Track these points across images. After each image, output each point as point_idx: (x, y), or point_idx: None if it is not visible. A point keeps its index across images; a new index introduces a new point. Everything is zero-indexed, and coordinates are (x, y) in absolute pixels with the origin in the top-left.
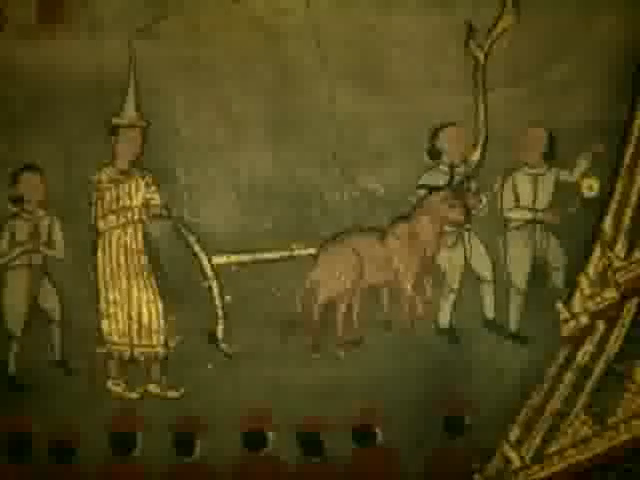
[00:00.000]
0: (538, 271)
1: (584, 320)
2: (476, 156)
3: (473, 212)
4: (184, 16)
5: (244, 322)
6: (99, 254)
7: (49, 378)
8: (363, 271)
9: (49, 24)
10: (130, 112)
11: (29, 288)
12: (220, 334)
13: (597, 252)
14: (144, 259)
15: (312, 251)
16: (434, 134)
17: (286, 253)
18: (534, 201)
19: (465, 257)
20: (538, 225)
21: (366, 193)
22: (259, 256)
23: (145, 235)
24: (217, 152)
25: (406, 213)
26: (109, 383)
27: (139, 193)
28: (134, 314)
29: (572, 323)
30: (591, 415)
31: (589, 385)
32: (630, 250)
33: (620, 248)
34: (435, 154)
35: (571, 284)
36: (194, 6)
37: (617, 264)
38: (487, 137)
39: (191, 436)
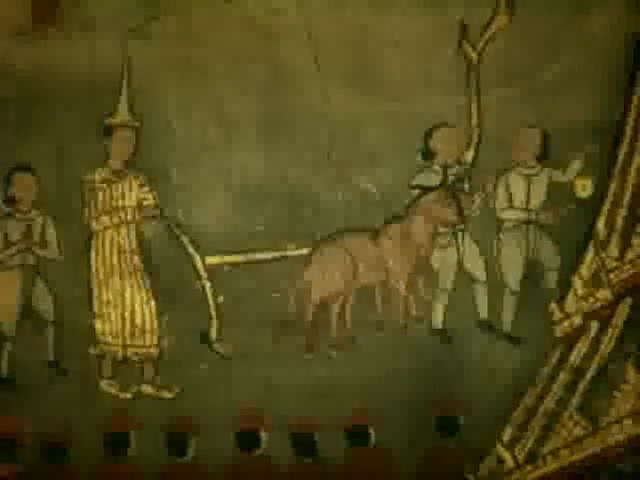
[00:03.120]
0: (531, 271)
1: (577, 320)
2: (469, 156)
3: (466, 212)
4: (177, 16)
5: (237, 322)
6: (92, 254)
7: (42, 378)
8: (356, 271)
9: (42, 24)
10: (123, 112)
11: (22, 288)
12: (213, 334)
13: (591, 252)
14: (137, 259)
15: (305, 251)
16: (427, 134)
17: (279, 253)
18: (527, 201)
19: (458, 257)
20: (531, 225)
21: (359, 193)
22: (252, 256)
23: (138, 235)
24: (210, 152)
25: (399, 213)
26: (102, 383)
27: (132, 193)
28: (127, 314)
29: (565, 323)
30: (584, 415)
31: (582, 385)
32: (623, 250)
33: (613, 248)
34: (428, 154)
35: (564, 284)
36: (187, 6)
37: (610, 264)
38: (480, 137)
39: (184, 436)
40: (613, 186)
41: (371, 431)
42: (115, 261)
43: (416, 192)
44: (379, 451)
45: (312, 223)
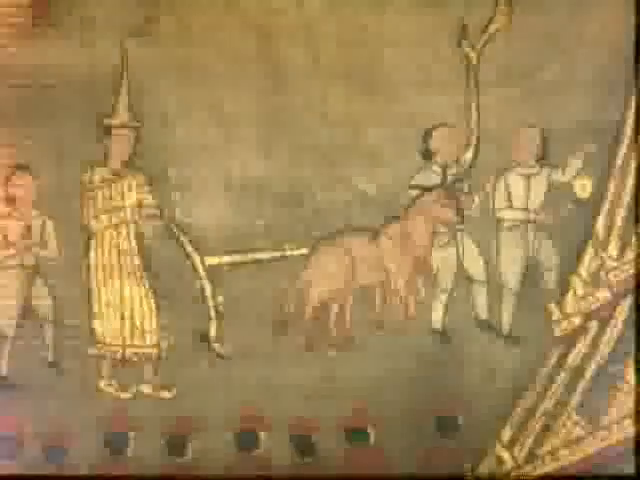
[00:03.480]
0: (531, 271)
1: (577, 320)
2: (469, 156)
3: (466, 212)
4: (176, 16)
5: (236, 322)
6: (92, 254)
7: (41, 378)
8: (355, 271)
9: (42, 24)
10: (122, 112)
11: (22, 288)
12: (213, 334)
13: (590, 252)
14: (137, 259)
15: (304, 251)
16: (427, 134)
17: (278, 253)
18: (527, 201)
19: (458, 257)
20: (531, 225)
21: (358, 193)
22: (252, 256)
23: (137, 235)
24: (209, 152)
25: (398, 213)
26: (101, 383)
27: (131, 193)
28: (127, 314)
29: (565, 323)
30: (584, 415)
31: (581, 385)
32: (622, 250)
33: (613, 248)
34: (428, 154)
35: (564, 284)
36: (186, 6)
37: (610, 264)
38: (479, 137)
39: (183, 436)
40: (612, 186)
41: (370, 431)
42: (114, 261)
43: (416, 192)
44: (378, 451)
45: (312, 223)
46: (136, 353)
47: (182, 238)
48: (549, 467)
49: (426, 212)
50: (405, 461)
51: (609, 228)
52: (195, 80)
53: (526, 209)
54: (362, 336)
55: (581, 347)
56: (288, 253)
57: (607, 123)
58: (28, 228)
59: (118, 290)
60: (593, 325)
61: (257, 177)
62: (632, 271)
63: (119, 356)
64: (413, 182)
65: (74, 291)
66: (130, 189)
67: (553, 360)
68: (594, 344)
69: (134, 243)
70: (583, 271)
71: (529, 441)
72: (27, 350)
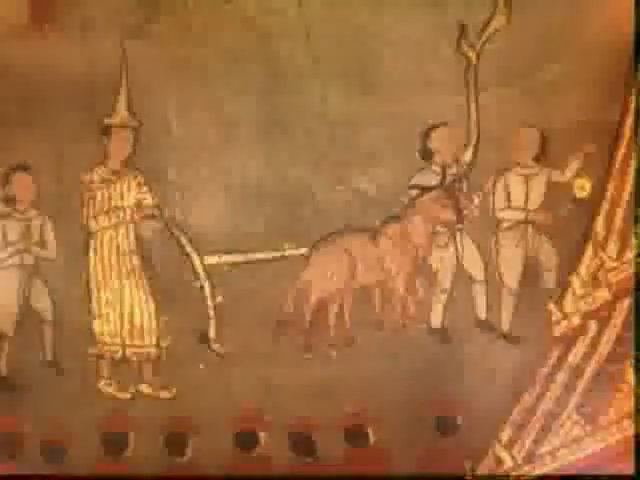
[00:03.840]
0: (530, 271)
1: (576, 320)
2: (468, 156)
3: (465, 212)
4: (176, 16)
5: (236, 322)
6: (91, 254)
7: (41, 378)
8: (355, 271)
9: (41, 24)
10: (122, 112)
11: (21, 288)
12: (212, 334)
13: (589, 252)
14: (136, 259)
15: (304, 251)
16: (426, 134)
17: (278, 253)
18: (526, 201)
19: (457, 257)
20: (530, 225)
21: (358, 193)
22: (251, 256)
23: (137, 235)
24: (209, 152)
25: (398, 213)
26: (101, 383)
27: (131, 193)
28: (126, 314)
29: (564, 323)
30: (583, 415)
31: (581, 385)
32: (622, 250)
33: (612, 248)
34: (427, 154)
35: (563, 284)
36: (186, 6)
37: (609, 264)
38: (479, 137)
39: (183, 436)
40: (611, 186)
41: (370, 431)
42: (114, 261)
43: (415, 192)
44: (378, 451)
45: (311, 223)
46: (135, 353)
47: (181, 238)
48: (549, 467)
49: (426, 212)
50: (405, 461)
51: (608, 228)
52: (195, 80)
53: (525, 209)
54: (362, 336)
55: (580, 347)
56: (288, 253)
57: (607, 123)
58: (27, 228)
59: (118, 290)
60: (592, 325)
61: (257, 177)
62: (631, 271)
63: (119, 356)
64: (413, 182)
65: (73, 291)
66: (129, 189)
67: (552, 360)
68: (593, 344)
69: (133, 243)
70: (582, 271)
71: (528, 441)
72: (26, 350)
